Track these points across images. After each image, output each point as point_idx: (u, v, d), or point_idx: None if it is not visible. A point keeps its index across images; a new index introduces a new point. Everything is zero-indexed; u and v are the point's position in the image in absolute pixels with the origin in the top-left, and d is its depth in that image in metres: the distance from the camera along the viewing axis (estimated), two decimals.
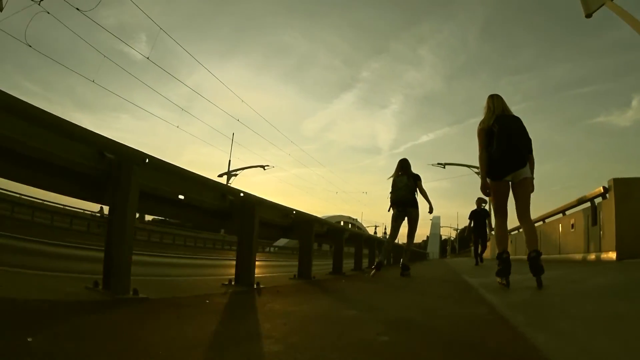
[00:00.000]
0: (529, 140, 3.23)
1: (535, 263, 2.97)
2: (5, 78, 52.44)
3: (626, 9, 9.72)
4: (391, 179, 5.90)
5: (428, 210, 5.95)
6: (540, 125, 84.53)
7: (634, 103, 78.96)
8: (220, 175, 27.65)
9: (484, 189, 3.39)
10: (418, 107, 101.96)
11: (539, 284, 2.92)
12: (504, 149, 3.14)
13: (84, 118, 66.73)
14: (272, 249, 29.26)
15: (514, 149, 3.15)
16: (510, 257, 3.28)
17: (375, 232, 56.44)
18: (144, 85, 31.92)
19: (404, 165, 5.93)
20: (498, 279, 3.27)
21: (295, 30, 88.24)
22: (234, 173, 27.90)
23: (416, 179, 5.77)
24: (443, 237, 70.15)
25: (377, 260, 5.87)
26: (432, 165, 28.25)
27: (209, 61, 77.56)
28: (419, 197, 5.74)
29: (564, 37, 79.78)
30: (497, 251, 3.35)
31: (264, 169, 27.99)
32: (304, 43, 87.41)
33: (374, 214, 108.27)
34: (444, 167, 27.79)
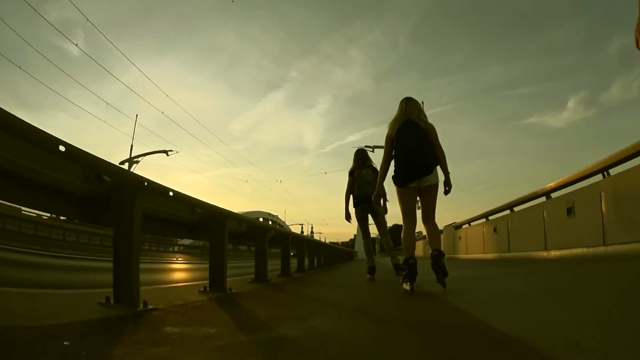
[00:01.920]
0: (429, 148, 3.31)
1: (437, 261, 3.22)
2: None
3: None
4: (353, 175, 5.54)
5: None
6: (468, 125, 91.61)
7: (570, 104, 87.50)
8: (122, 163, 25.27)
9: (377, 197, 3.84)
10: (346, 107, 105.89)
11: (439, 281, 3.25)
12: (402, 160, 3.33)
13: (24, 116, 57.23)
14: (176, 248, 27.56)
15: (412, 159, 3.29)
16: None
17: (301, 231, 57.21)
18: (81, 82, 29.10)
19: (364, 156, 5.57)
20: (405, 285, 3.28)
21: (227, 29, 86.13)
22: (135, 160, 25.57)
23: (376, 172, 5.12)
24: (372, 235, 72.14)
25: (368, 266, 5.56)
26: (367, 147, 28.80)
27: (143, 59, 73.01)
28: None
29: (497, 40, 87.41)
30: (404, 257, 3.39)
31: (167, 155, 25.96)
32: (235, 42, 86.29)
33: (299, 213, 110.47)
34: (373, 151, 28.57)
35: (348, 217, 5.59)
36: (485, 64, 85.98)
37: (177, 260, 16.82)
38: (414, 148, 3.28)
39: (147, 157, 26.40)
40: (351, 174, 5.54)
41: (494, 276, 4.88)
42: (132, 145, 25.33)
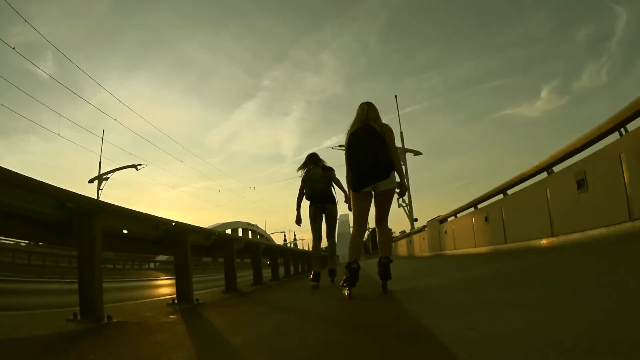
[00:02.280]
0: (383, 154, 3.26)
1: (384, 269, 3.29)
2: None
3: None
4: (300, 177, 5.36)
5: (344, 199, 5.04)
6: (443, 122, 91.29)
7: (543, 94, 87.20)
8: (91, 181, 25.42)
9: (349, 201, 3.72)
10: (320, 112, 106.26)
11: (384, 288, 3.30)
12: (355, 166, 3.30)
13: None
14: (152, 265, 26.98)
15: (364, 165, 3.24)
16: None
17: (284, 239, 57.00)
18: (52, 105, 28.14)
19: (314, 159, 5.40)
20: (344, 290, 3.24)
21: (198, 42, 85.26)
22: (105, 177, 25.29)
23: (330, 170, 5.31)
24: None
25: (313, 271, 5.17)
26: (333, 148, 26.83)
27: (113, 77, 70.94)
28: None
29: (468, 35, 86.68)
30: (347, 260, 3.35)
31: (137, 169, 25.62)
32: (206, 55, 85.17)
33: (279, 221, 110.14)
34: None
35: (298, 220, 5.42)
36: (457, 59, 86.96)
37: (153, 277, 16.65)
38: (366, 153, 3.24)
39: (122, 174, 26.10)
40: (302, 177, 5.37)
41: (505, 277, 3.66)
42: (100, 162, 25.03)
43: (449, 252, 10.86)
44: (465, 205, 9.58)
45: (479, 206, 8.74)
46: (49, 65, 43.10)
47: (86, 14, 66.16)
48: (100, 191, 25.29)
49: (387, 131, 3.37)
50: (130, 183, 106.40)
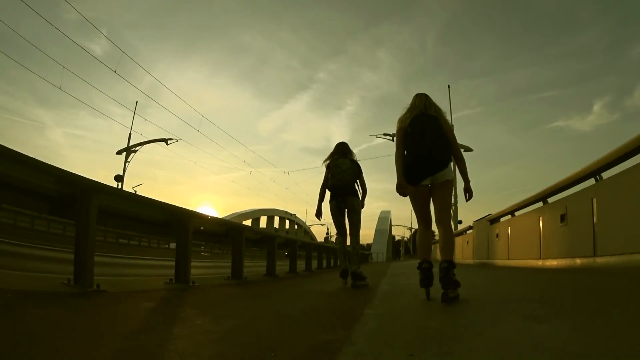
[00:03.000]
0: (446, 141, 3.06)
1: (445, 275, 2.76)
2: None
3: None
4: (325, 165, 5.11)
5: (361, 201, 5.07)
6: (496, 129, 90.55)
7: (595, 108, 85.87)
8: (119, 152, 25.48)
9: (400, 188, 3.16)
10: (373, 109, 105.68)
11: (443, 298, 2.70)
12: (416, 153, 3.05)
13: (44, 114, 63.45)
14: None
15: (427, 151, 3.00)
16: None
17: (327, 233, 57.56)
18: (103, 81, 30.13)
19: (343, 149, 5.11)
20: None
21: (254, 30, 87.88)
22: (133, 149, 25.18)
23: (360, 168, 5.05)
24: (397, 238, 67.47)
25: (341, 267, 5.10)
26: (377, 136, 25.14)
27: (167, 59, 75.33)
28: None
29: (524, 43, 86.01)
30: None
31: (167, 144, 25.17)
32: (262, 42, 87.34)
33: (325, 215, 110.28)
34: (393, 139, 21.53)
35: (319, 213, 5.26)
36: (512, 67, 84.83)
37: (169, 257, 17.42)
38: (432, 139, 3.00)
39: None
40: (328, 165, 5.10)
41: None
42: (129, 134, 24.86)
43: (498, 261, 8.84)
44: (530, 199, 7.26)
45: (551, 200, 6.49)
46: (103, 42, 45.36)
47: None
48: (127, 163, 25.19)
49: (447, 125, 3.17)
50: (176, 164, 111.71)
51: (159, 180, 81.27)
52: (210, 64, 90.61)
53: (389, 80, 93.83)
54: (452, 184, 3.15)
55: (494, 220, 10.00)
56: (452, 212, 20.67)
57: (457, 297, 2.79)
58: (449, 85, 25.36)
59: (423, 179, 3.04)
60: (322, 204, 5.18)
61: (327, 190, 5.04)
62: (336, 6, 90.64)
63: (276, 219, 38.22)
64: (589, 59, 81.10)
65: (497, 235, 9.35)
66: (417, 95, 3.31)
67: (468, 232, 13.47)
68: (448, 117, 3.29)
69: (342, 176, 4.85)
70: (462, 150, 17.38)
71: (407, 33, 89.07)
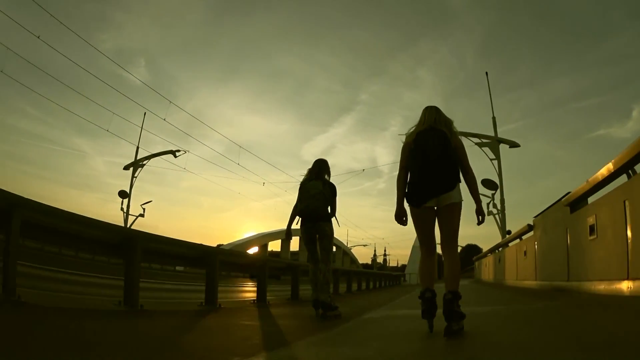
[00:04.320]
0: (453, 160, 2.83)
1: (448, 307, 2.59)
2: (5, 101, 53.49)
3: None
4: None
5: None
6: (540, 141, 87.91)
7: (634, 114, 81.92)
8: (126, 167, 25.19)
9: (398, 217, 2.97)
10: None
11: (446, 332, 2.53)
12: (420, 172, 2.83)
13: (84, 143, 69.35)
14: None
15: (432, 170, 2.78)
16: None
17: (374, 254, 55.27)
18: (143, 110, 30.97)
19: (320, 167, 4.83)
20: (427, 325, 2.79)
21: (293, 54, 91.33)
22: (141, 163, 24.83)
23: (333, 190, 4.77)
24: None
25: (312, 297, 4.66)
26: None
27: (207, 86, 79.64)
28: None
29: (561, 51, 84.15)
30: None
31: (175, 156, 24.19)
32: (302, 67, 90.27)
33: (363, 234, 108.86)
34: None
35: (288, 235, 5.05)
36: (550, 77, 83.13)
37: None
38: (438, 157, 2.77)
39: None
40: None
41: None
42: (137, 148, 24.37)
43: (599, 286, 4.80)
44: None
45: None
46: (142, 71, 47.53)
47: (178, 23, 72.38)
48: (134, 178, 24.72)
49: (459, 144, 2.94)
50: (221, 191, 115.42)
51: (204, 207, 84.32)
52: (251, 90, 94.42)
53: (430, 99, 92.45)
54: (459, 207, 2.85)
55: (580, 199, 5.61)
56: (498, 220, 18.81)
57: (461, 329, 2.62)
58: (487, 72, 23.11)
59: (427, 200, 2.81)
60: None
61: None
62: (373, 26, 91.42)
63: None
64: (623, 63, 78.40)
65: (594, 232, 5.04)
66: (426, 108, 3.09)
67: (524, 236, 9.57)
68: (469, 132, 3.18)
69: (310, 202, 4.61)
70: (507, 145, 17.78)
71: (446, 50, 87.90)
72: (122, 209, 24.22)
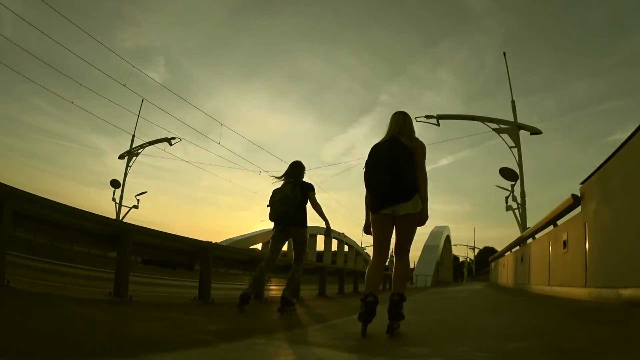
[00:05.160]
0: (409, 172, 2.94)
1: (394, 306, 2.80)
2: (22, 99, 56.36)
3: None
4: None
5: (324, 231, 4.96)
6: (557, 145, 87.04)
7: None
8: (121, 156, 24.55)
9: (366, 229, 3.18)
10: (437, 130, 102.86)
11: (388, 330, 2.73)
12: (376, 181, 2.98)
13: (101, 141, 71.00)
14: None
15: (387, 181, 2.91)
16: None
17: (390, 254, 54.27)
18: (162, 109, 30.33)
19: (291, 171, 4.87)
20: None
21: (314, 54, 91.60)
22: (136, 152, 24.10)
23: (306, 190, 4.78)
24: (460, 259, 64.53)
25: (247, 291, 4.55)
26: (425, 120, 19.84)
27: (227, 85, 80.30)
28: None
29: (580, 55, 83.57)
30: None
31: (171, 144, 23.60)
32: (323, 67, 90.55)
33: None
34: (438, 125, 19.88)
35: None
36: (569, 81, 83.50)
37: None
38: (386, 169, 2.91)
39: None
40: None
41: None
42: (133, 136, 23.71)
43: None
44: None
45: None
46: (161, 70, 47.72)
47: (198, 22, 73.17)
48: (129, 168, 23.98)
49: (417, 146, 3.07)
50: (240, 191, 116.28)
51: (222, 206, 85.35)
52: (271, 90, 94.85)
53: (451, 100, 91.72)
54: (415, 217, 2.98)
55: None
56: (518, 216, 16.28)
57: (399, 328, 2.84)
58: (504, 53, 19.82)
59: (382, 208, 2.98)
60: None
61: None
62: (393, 28, 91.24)
63: (319, 237, 37.21)
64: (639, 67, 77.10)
65: None
66: (394, 115, 3.25)
67: (562, 220, 6.45)
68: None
69: (275, 206, 4.64)
70: (528, 132, 16.67)
71: (466, 51, 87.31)
72: (113, 199, 23.28)
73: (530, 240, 9.45)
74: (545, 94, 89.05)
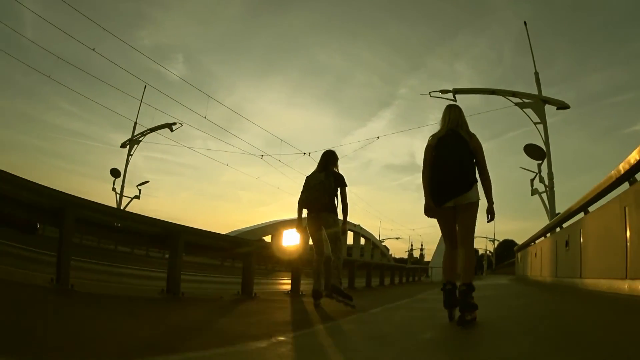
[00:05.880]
0: (470, 164, 3.07)
1: (463, 298, 2.85)
2: (44, 99, 58.12)
3: None
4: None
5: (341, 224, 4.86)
6: (576, 136, 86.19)
7: None
8: (123, 145, 23.37)
9: (428, 211, 3.21)
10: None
11: (460, 321, 2.81)
12: (440, 176, 3.10)
13: (122, 138, 70.83)
14: None
15: (450, 174, 3.04)
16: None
17: (411, 248, 54.08)
18: (182, 105, 30.86)
19: (326, 160, 4.95)
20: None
21: (331, 49, 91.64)
22: (137, 140, 23.18)
23: (340, 180, 4.81)
24: (480, 252, 60.93)
25: (313, 287, 4.74)
26: (440, 95, 19.50)
27: (245, 80, 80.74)
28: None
29: (598, 46, 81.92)
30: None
31: (172, 130, 22.54)
32: (340, 62, 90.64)
33: (397, 228, 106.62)
34: (455, 100, 18.91)
35: (298, 227, 5.05)
36: (587, 72, 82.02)
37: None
38: (456, 162, 3.04)
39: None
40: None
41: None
42: (135, 123, 22.46)
43: None
44: None
45: None
46: (180, 67, 47.71)
47: (216, 19, 74.72)
48: (130, 156, 22.80)
49: (477, 146, 3.15)
50: (261, 186, 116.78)
51: (243, 201, 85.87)
52: (290, 85, 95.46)
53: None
54: (476, 206, 3.09)
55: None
56: (545, 201, 14.17)
57: (474, 319, 2.84)
58: (525, 22, 17.36)
59: (446, 201, 3.07)
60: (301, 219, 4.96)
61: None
62: (411, 21, 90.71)
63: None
64: None
65: None
66: (448, 107, 3.37)
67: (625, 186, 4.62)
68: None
69: (310, 192, 4.73)
70: (554, 107, 14.49)
71: (484, 44, 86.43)
72: (113, 189, 21.95)
73: (579, 216, 6.69)
74: (564, 85, 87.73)
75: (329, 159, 4.93)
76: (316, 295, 4.61)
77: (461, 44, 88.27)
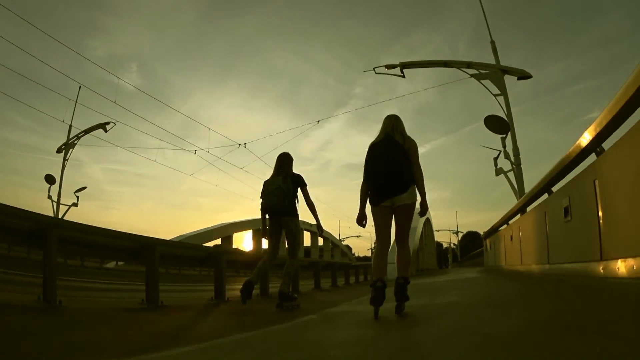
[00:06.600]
0: (405, 166, 3.24)
1: (399, 289, 3.13)
2: None
3: None
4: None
5: (316, 227, 5.08)
6: (534, 127, 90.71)
7: None
8: (59, 150, 22.24)
9: (359, 220, 3.49)
10: (413, 119, 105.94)
11: (397, 310, 3.12)
12: (375, 177, 3.30)
13: (80, 152, 67.19)
14: None
15: (385, 176, 3.23)
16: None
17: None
18: (138, 115, 29.86)
19: (281, 162, 4.94)
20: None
21: (287, 51, 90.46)
22: (72, 142, 22.19)
23: (298, 181, 4.84)
24: (444, 245, 64.40)
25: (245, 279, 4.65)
26: (387, 72, 18.31)
27: (202, 87, 78.65)
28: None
29: (553, 37, 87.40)
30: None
31: (105, 131, 21.65)
32: (296, 63, 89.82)
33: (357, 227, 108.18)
34: (403, 75, 18.20)
35: (264, 233, 4.94)
36: (543, 63, 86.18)
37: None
38: (384, 164, 3.25)
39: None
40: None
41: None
42: (70, 126, 21.40)
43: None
44: None
45: None
46: (134, 77, 46.31)
47: (170, 26, 71.14)
48: (66, 161, 21.79)
49: (411, 146, 3.37)
50: (221, 193, 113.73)
51: (203, 208, 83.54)
52: (246, 89, 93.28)
53: (425, 89, 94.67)
54: (412, 207, 3.32)
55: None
56: (513, 181, 12.38)
57: (404, 309, 3.16)
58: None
59: (383, 200, 3.29)
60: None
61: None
62: (365, 20, 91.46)
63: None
64: (614, 44, 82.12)
65: None
66: (387, 117, 3.58)
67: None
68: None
69: (269, 198, 4.70)
70: (515, 77, 13.93)
71: (439, 40, 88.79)
72: (49, 196, 20.95)
73: (593, 157, 4.10)
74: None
75: (283, 161, 4.93)
76: (247, 287, 4.46)
77: (416, 41, 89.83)
